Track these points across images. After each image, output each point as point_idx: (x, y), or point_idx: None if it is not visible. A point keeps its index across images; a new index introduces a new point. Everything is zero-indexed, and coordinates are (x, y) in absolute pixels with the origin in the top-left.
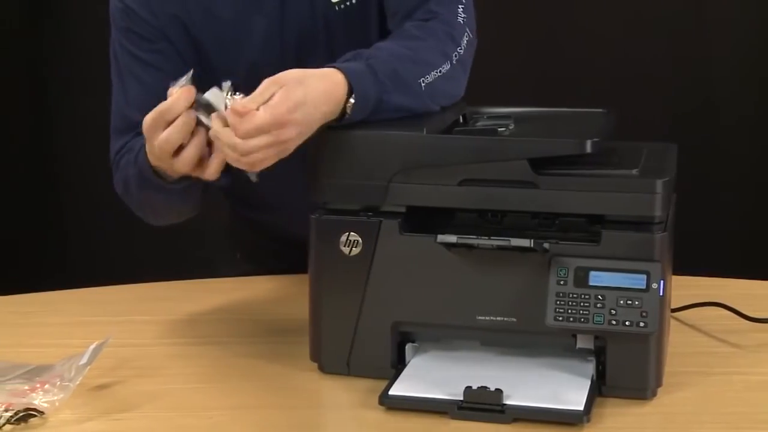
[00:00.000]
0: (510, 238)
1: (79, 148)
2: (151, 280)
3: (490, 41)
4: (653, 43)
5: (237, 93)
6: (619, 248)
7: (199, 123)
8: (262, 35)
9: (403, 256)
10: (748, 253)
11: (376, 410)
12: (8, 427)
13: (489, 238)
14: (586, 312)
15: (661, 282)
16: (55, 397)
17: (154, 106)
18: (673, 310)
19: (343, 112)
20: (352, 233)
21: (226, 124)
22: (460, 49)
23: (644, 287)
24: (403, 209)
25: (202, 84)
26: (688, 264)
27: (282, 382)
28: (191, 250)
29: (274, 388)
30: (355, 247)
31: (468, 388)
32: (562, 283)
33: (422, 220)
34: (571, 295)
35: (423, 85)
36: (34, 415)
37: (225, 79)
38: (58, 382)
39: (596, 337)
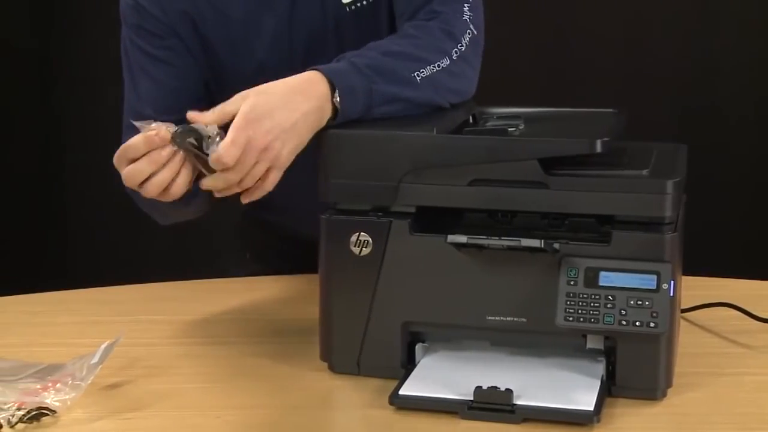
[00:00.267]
0: (520, 239)
1: (87, 146)
2: (159, 280)
3: (499, 42)
4: (662, 43)
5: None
6: (629, 249)
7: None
8: (271, 35)
9: (413, 256)
10: (754, 253)
11: (386, 410)
12: (21, 425)
13: (499, 239)
14: (596, 312)
15: (672, 282)
16: (67, 396)
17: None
18: (683, 311)
19: (335, 109)
20: (362, 233)
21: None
22: (461, 45)
23: (654, 288)
24: (413, 209)
25: (212, 85)
26: (692, 264)
27: (292, 382)
28: (199, 249)
29: (284, 388)
30: (366, 247)
31: (478, 388)
32: (572, 283)
33: (432, 220)
34: (581, 296)
35: (419, 78)
36: (47, 414)
37: (233, 81)
38: (70, 381)
39: (606, 338)
